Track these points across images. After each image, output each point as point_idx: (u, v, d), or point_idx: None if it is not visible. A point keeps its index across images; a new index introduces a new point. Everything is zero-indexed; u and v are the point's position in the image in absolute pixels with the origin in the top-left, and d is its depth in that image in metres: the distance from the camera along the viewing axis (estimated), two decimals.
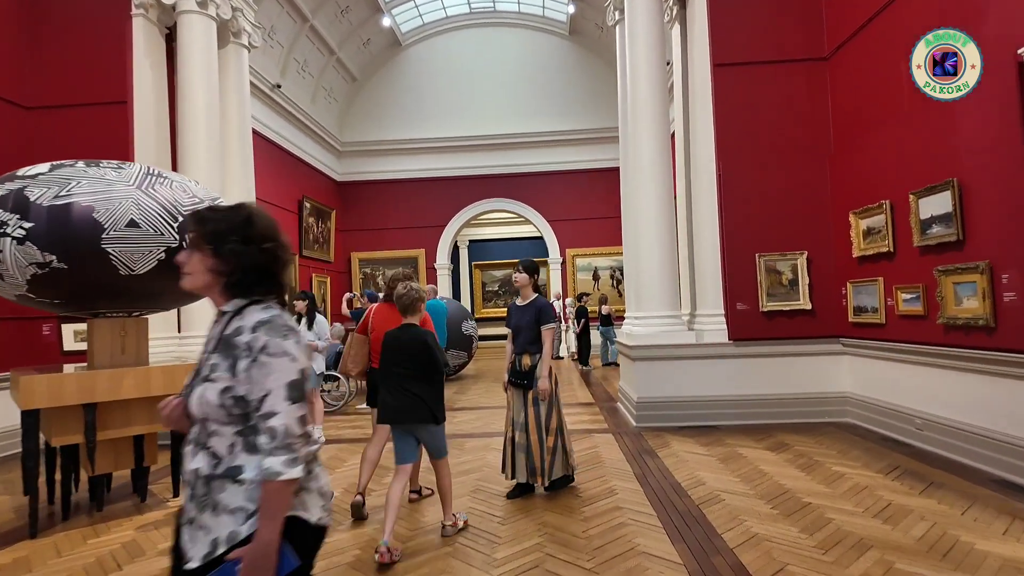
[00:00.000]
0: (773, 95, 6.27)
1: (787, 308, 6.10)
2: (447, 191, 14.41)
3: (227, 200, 6.36)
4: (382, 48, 14.39)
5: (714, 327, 6.27)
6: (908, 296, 4.96)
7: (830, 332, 6.08)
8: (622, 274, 14.16)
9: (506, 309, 4.32)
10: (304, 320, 6.11)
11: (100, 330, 4.12)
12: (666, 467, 4.61)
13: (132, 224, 3.71)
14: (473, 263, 18.93)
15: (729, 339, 6.14)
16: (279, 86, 11.10)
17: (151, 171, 3.99)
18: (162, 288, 4.10)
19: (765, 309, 6.11)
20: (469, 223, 15.25)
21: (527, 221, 14.87)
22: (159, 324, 6.41)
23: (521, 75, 14.37)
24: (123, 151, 6.17)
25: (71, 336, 6.38)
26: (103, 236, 3.63)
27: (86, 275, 3.64)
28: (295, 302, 6.12)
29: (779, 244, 6.16)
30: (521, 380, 3.98)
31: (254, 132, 10.19)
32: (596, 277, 14.50)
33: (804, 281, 6.10)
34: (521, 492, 4.04)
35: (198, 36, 6.52)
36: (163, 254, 3.84)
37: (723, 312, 6.27)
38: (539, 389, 3.89)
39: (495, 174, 14.35)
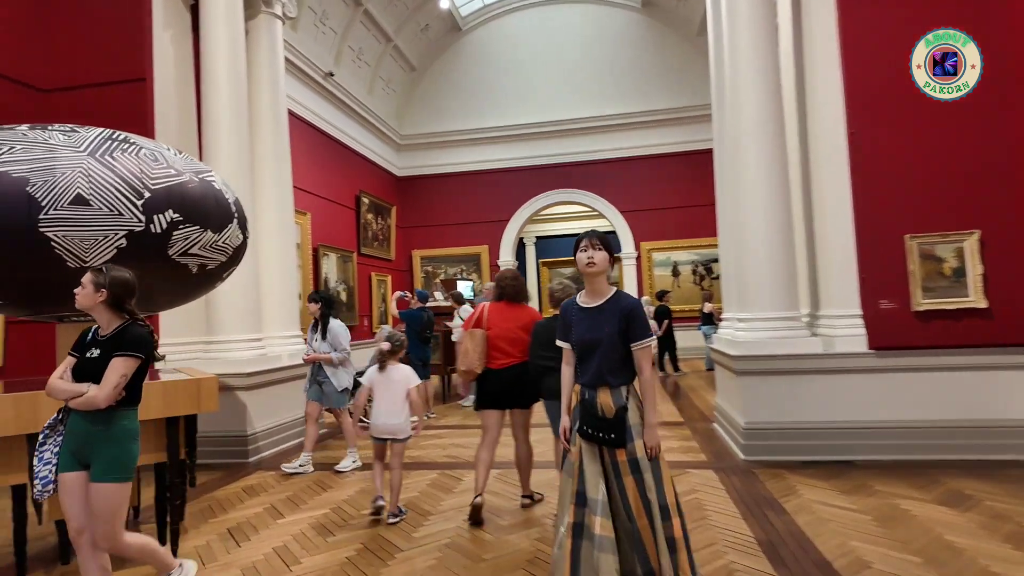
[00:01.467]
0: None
1: (951, 307, 4.56)
2: (512, 183, 13.39)
3: (235, 181, 5.53)
4: (441, 34, 13.56)
5: (846, 332, 4.81)
6: None
7: (1014, 339, 4.49)
8: (706, 269, 12.62)
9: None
10: (318, 327, 5.16)
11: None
12: (800, 530, 3.29)
13: (79, 201, 2.86)
14: (540, 261, 17.82)
15: (869, 348, 4.68)
16: (331, 74, 10.46)
17: (114, 136, 3.15)
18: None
19: (919, 308, 4.60)
20: (534, 218, 14.18)
21: (598, 215, 13.57)
22: (182, 326, 5.72)
23: (590, 55, 13.11)
24: (142, 133, 5.47)
25: None
26: (40, 217, 2.80)
27: (20, 268, 2.83)
28: (309, 304, 5.20)
29: (938, 222, 4.63)
30: (604, 433, 2.38)
31: (305, 122, 9.59)
32: (676, 273, 13.00)
33: (975, 270, 4.54)
34: None
35: (221, 3, 5.77)
36: (123, 240, 2.99)
37: (859, 312, 4.80)
38: (648, 444, 2.38)
39: (563, 163, 13.16)
